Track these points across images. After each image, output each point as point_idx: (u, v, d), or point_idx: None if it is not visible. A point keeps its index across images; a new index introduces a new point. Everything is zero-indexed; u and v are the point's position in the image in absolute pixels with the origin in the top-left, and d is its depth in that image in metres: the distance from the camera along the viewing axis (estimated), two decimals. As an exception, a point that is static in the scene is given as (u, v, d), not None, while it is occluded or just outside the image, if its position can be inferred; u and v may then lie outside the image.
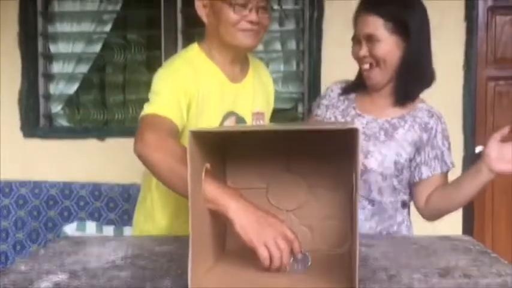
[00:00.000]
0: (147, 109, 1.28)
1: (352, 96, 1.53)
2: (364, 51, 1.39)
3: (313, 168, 1.13)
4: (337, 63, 2.77)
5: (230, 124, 1.42)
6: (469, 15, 2.63)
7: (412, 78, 1.42)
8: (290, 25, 2.83)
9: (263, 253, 0.96)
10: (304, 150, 1.13)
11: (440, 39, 2.69)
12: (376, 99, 1.48)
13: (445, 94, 2.59)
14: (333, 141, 1.07)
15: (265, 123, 1.53)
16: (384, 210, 1.42)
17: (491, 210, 2.74)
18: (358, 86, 1.52)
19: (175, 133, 1.27)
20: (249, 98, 1.48)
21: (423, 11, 1.41)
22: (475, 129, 2.68)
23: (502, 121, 2.74)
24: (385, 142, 1.41)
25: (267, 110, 1.57)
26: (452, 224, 2.65)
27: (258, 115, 1.50)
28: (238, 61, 1.46)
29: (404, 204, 1.47)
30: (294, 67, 2.88)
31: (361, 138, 0.86)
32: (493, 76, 2.73)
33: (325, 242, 1.14)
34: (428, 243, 1.26)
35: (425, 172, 1.40)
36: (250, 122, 1.47)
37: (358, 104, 1.50)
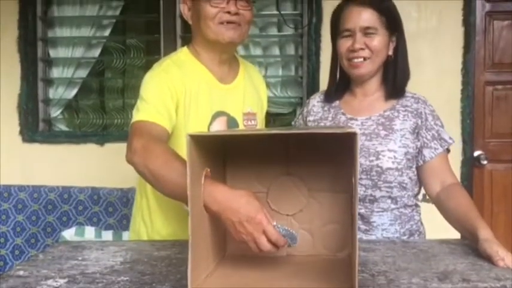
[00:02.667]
0: (136, 116, 1.31)
1: (336, 103, 1.55)
2: (360, 43, 1.42)
3: (313, 172, 1.13)
4: (336, 68, 2.79)
5: (221, 124, 1.42)
6: (467, 20, 2.64)
7: (402, 73, 1.49)
8: (289, 30, 2.83)
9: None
10: (304, 154, 1.13)
11: (438, 44, 2.74)
12: (362, 99, 1.51)
13: (443, 98, 2.60)
14: (332, 145, 1.07)
15: (257, 123, 1.53)
16: (404, 213, 1.45)
17: (490, 216, 2.74)
18: (340, 90, 1.55)
19: (164, 137, 1.29)
20: (240, 98, 1.49)
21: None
22: (473, 133, 2.69)
23: (500, 125, 2.75)
24: (388, 136, 1.43)
25: (260, 111, 1.57)
26: (451, 227, 2.65)
27: (249, 115, 1.50)
28: (227, 62, 1.47)
29: (417, 205, 1.51)
30: (293, 72, 2.89)
31: (359, 142, 0.86)
32: (491, 80, 2.73)
33: (325, 246, 1.14)
34: (427, 247, 1.26)
35: (427, 154, 1.43)
36: (241, 123, 1.47)
37: (345, 109, 1.52)
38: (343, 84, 1.54)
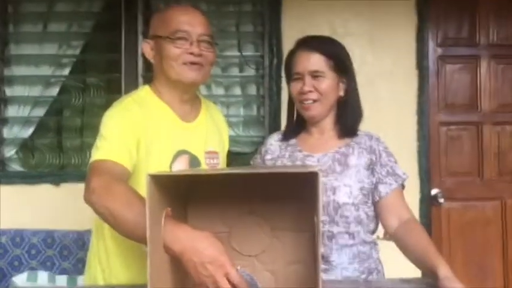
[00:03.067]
0: (95, 155, 1.28)
1: (293, 141, 1.59)
2: (308, 86, 1.48)
3: (276, 210, 1.12)
4: (297, 108, 2.85)
5: (183, 163, 1.41)
6: (421, 64, 2.76)
7: (353, 112, 1.54)
8: (250, 71, 2.88)
9: None
10: (266, 193, 1.12)
11: (394, 86, 2.84)
12: (318, 137, 1.55)
13: (400, 138, 2.68)
14: (295, 183, 1.07)
15: (219, 162, 1.53)
16: (362, 251, 1.46)
17: (448, 253, 2.79)
18: (297, 129, 1.60)
19: (124, 176, 1.26)
20: (202, 137, 1.48)
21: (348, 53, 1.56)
22: (429, 172, 2.76)
23: (455, 164, 2.84)
24: (343, 172, 1.46)
25: (222, 150, 1.58)
26: (411, 265, 2.67)
27: (211, 154, 1.50)
28: (188, 100, 1.47)
29: (375, 242, 1.52)
30: (255, 111, 2.92)
31: (322, 182, 0.87)
32: (444, 121, 2.84)
33: (289, 286, 1.12)
34: (389, 286, 1.27)
35: (383, 190, 1.46)
36: (203, 161, 1.47)
37: (302, 147, 1.56)
38: (299, 123, 1.59)
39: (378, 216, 1.50)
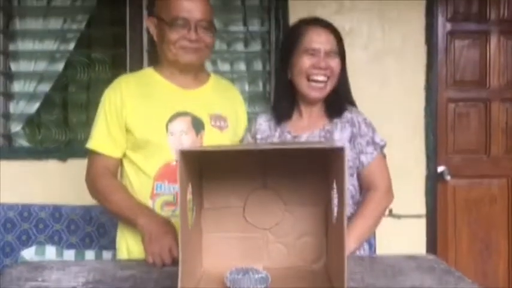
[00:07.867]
0: (89, 143, 1.52)
1: (283, 124, 1.61)
2: (325, 62, 1.51)
3: (289, 186, 1.16)
4: (303, 84, 2.81)
5: (184, 123, 1.49)
6: (429, 39, 2.72)
7: (345, 95, 1.60)
8: (256, 46, 2.85)
9: (148, 260, 1.27)
10: (280, 168, 1.15)
11: (402, 62, 2.80)
12: (307, 119, 1.58)
13: (407, 115, 2.66)
14: (306, 160, 1.11)
15: (228, 126, 1.57)
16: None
17: (453, 229, 2.80)
18: (287, 113, 1.60)
19: (110, 165, 1.51)
20: (205, 101, 1.55)
21: None
22: (436, 149, 2.75)
23: (462, 142, 2.82)
24: None
25: (233, 116, 1.62)
26: (416, 242, 2.69)
27: (217, 117, 1.56)
28: (190, 72, 1.55)
29: None
30: (261, 88, 2.90)
31: (347, 156, 0.91)
32: (453, 98, 2.81)
33: (301, 258, 1.16)
34: (394, 262, 1.27)
35: (365, 160, 1.51)
36: (208, 123, 1.53)
37: (290, 128, 1.59)
38: (290, 104, 1.61)
39: (360, 186, 1.54)
